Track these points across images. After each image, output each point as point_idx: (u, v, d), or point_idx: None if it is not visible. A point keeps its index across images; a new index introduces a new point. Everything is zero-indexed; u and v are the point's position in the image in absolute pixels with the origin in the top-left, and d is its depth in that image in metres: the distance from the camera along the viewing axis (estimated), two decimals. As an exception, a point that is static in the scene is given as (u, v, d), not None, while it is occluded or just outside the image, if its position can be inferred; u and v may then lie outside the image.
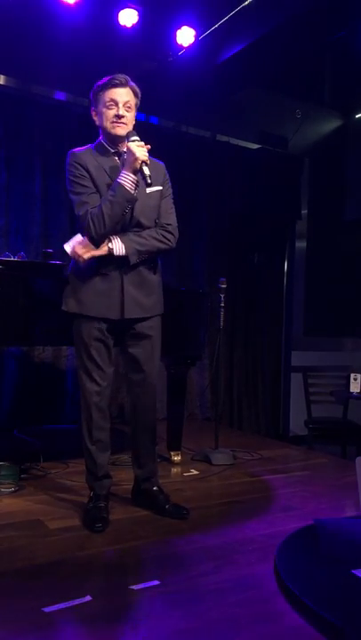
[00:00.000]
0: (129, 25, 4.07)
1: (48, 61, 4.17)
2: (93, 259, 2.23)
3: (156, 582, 1.82)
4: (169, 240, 2.35)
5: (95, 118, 2.30)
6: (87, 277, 2.27)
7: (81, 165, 2.24)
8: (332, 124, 5.76)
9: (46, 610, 1.62)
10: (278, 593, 1.71)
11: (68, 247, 2.28)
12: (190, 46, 4.29)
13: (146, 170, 2.13)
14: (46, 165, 4.44)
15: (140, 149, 2.14)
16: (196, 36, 4.24)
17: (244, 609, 1.67)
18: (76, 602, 1.68)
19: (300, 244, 6.00)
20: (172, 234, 2.36)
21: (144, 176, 2.13)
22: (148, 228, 2.30)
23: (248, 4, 3.94)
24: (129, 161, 2.15)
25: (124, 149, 2.24)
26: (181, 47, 4.31)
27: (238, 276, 5.32)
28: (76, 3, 3.84)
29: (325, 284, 5.99)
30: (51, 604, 1.65)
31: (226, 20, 4.08)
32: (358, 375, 3.85)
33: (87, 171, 2.24)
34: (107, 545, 2.13)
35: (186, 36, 4.22)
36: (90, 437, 2.36)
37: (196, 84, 4.47)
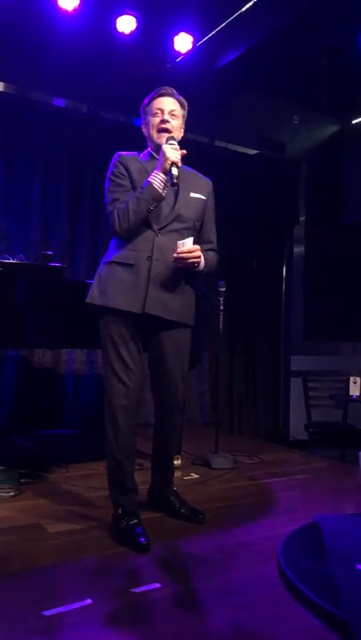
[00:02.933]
0: (127, 32, 4.09)
1: (47, 68, 4.19)
2: (128, 248, 2.22)
3: (157, 585, 1.81)
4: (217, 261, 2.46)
5: (144, 130, 2.38)
6: (114, 270, 2.24)
7: (123, 165, 2.28)
8: (329, 130, 5.78)
9: (46, 613, 1.61)
10: (280, 595, 1.71)
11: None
12: (188, 53, 4.31)
13: (175, 171, 2.15)
14: (45, 170, 4.47)
15: (172, 151, 2.18)
16: (194, 43, 4.26)
17: (245, 611, 1.66)
18: (77, 605, 1.67)
19: (299, 249, 6.01)
20: (217, 255, 2.47)
21: (171, 175, 2.15)
22: (189, 223, 2.30)
23: (246, 10, 3.97)
24: (161, 161, 2.19)
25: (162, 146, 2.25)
26: (179, 53, 4.33)
27: (237, 281, 5.32)
28: (74, 9, 3.86)
29: (324, 289, 6.00)
30: (51, 608, 1.64)
31: (223, 26, 4.10)
32: (358, 378, 3.85)
33: (127, 171, 2.27)
34: (106, 548, 2.11)
35: (184, 43, 4.24)
36: (117, 445, 2.20)
37: (194, 89, 4.46)
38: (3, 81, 4.32)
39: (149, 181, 2.18)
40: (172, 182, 2.16)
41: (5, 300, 2.64)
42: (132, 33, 4.10)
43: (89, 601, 1.69)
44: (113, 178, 2.30)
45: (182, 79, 4.58)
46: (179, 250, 2.17)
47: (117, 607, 1.67)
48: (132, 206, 2.17)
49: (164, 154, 2.17)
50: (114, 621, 1.59)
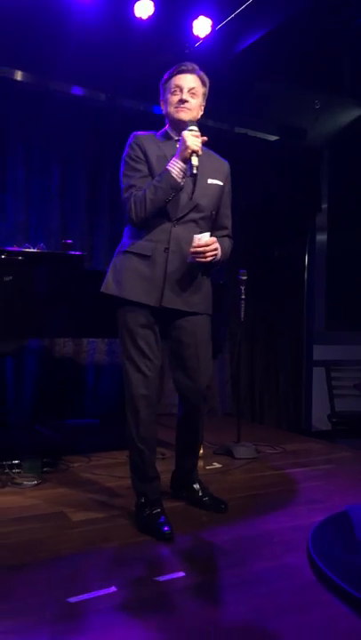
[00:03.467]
0: (145, 17, 4.03)
1: (64, 56, 4.16)
2: (145, 238, 2.18)
3: (182, 574, 1.80)
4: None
5: (162, 107, 2.29)
6: (130, 260, 2.19)
7: (140, 148, 2.20)
8: (352, 114, 5.65)
9: (71, 600, 1.61)
10: (306, 585, 1.68)
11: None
12: (207, 37, 4.24)
13: (195, 160, 2.08)
14: (64, 160, 4.45)
15: (193, 139, 2.09)
16: (213, 26, 4.19)
17: (271, 601, 1.64)
18: (101, 593, 1.66)
19: (321, 237, 5.91)
20: (232, 242, 2.42)
21: (191, 166, 2.08)
22: (206, 212, 2.25)
23: (266, -8, 3.88)
24: (180, 149, 2.11)
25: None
26: (198, 38, 4.27)
27: (258, 270, 5.25)
28: (91, -4, 3.82)
29: (346, 277, 5.90)
30: (75, 595, 1.64)
31: (243, 8, 4.02)
32: (383, 367, 3.77)
33: (145, 154, 2.20)
34: (130, 537, 2.11)
35: (202, 27, 4.17)
36: (138, 435, 2.18)
37: (214, 75, 4.39)
38: (21, 70, 4.30)
39: (168, 169, 2.11)
40: (191, 173, 2.09)
41: (27, 289, 2.64)
42: (149, 18, 4.05)
43: (113, 588, 1.69)
44: (129, 161, 2.21)
45: (201, 64, 4.49)
46: (195, 244, 2.12)
47: (141, 595, 1.66)
48: (149, 195, 2.11)
49: (185, 141, 2.08)
50: (138, 609, 1.58)
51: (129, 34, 4.18)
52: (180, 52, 4.42)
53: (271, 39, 4.24)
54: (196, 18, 4.15)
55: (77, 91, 4.57)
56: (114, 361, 4.64)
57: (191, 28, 4.20)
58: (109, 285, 2.23)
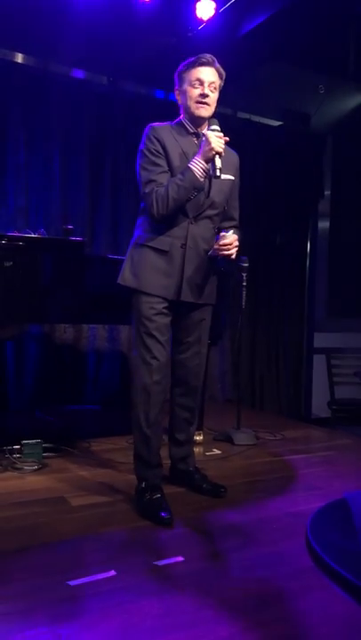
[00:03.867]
0: (147, -1, 3.98)
1: (66, 39, 4.10)
2: (162, 233, 2.22)
3: (181, 559, 1.81)
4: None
5: (178, 97, 2.29)
6: (148, 254, 2.23)
7: (159, 141, 2.20)
8: (356, 99, 5.58)
9: (72, 583, 1.63)
10: (305, 570, 1.70)
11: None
12: (210, 20, 4.18)
13: (218, 162, 2.10)
14: (65, 144, 4.41)
15: (217, 140, 2.11)
16: (217, 9, 4.13)
17: (269, 585, 1.65)
18: (101, 576, 1.68)
19: (323, 224, 5.88)
20: (240, 233, 2.43)
21: (214, 167, 2.11)
22: (220, 208, 2.32)
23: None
24: (204, 150, 2.12)
25: (203, 131, 2.20)
26: (201, 21, 4.20)
27: (260, 257, 5.24)
28: (93, -23, 3.76)
29: (348, 265, 5.87)
30: (76, 578, 1.66)
31: (247, -11, 3.97)
32: (383, 355, 3.77)
33: (164, 149, 2.20)
34: (130, 522, 2.12)
35: (206, 9, 4.11)
36: (146, 420, 2.22)
37: (217, 59, 4.37)
38: (22, 52, 4.25)
39: (190, 168, 2.13)
40: (214, 175, 2.12)
41: (27, 274, 2.64)
42: (152, 0, 3.99)
43: (113, 572, 1.71)
44: (148, 154, 2.21)
45: (204, 48, 4.42)
46: (222, 242, 2.19)
47: (141, 579, 1.68)
48: (171, 193, 2.13)
49: (209, 142, 2.10)
50: (137, 593, 1.60)
51: (131, 16, 4.11)
52: (183, 35, 4.37)
53: (275, 22, 4.18)
54: (199, 0, 4.09)
55: (79, 74, 4.51)
56: (114, 347, 4.64)
57: (194, 10, 4.14)
58: (127, 278, 2.27)
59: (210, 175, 2.16)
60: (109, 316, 3.16)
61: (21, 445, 2.85)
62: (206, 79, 2.18)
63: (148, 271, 2.22)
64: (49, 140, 4.35)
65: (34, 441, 2.86)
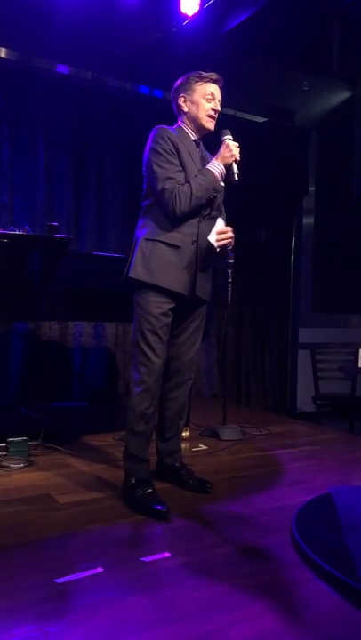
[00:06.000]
0: (132, -6, 3.96)
1: (49, 33, 4.07)
2: (173, 230, 2.26)
3: (167, 554, 1.82)
4: None
5: (184, 104, 2.35)
6: (160, 249, 2.26)
7: (172, 141, 2.26)
8: (340, 96, 5.62)
9: (58, 581, 1.63)
10: (291, 564, 1.72)
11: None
12: (195, 15, 4.17)
13: (235, 168, 2.24)
14: (49, 141, 4.38)
15: (235, 147, 2.25)
16: (201, 5, 4.12)
17: (255, 580, 1.67)
18: (88, 573, 1.68)
19: (308, 220, 5.91)
20: None
21: (232, 172, 2.25)
22: (220, 208, 2.41)
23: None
24: (223, 155, 2.25)
25: (223, 138, 2.31)
26: (186, 16, 4.20)
27: (245, 253, 5.25)
28: (77, -29, 3.73)
29: (333, 261, 5.92)
30: (62, 576, 1.66)
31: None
32: (367, 350, 3.82)
33: (177, 149, 2.27)
34: (116, 518, 2.13)
35: (191, 5, 4.10)
36: (145, 416, 2.25)
37: (201, 55, 4.35)
38: (5, 47, 4.20)
39: (211, 170, 2.25)
40: (233, 180, 2.25)
41: (12, 271, 2.62)
42: (137, -5, 3.97)
43: (100, 569, 1.71)
44: (163, 152, 2.25)
45: (189, 43, 4.45)
46: (223, 230, 2.28)
47: (128, 575, 1.69)
48: (195, 192, 2.21)
49: (230, 150, 2.24)
50: (124, 589, 1.60)
51: (116, 11, 4.10)
52: (167, 31, 4.36)
53: (260, 19, 4.18)
54: (184, -5, 4.08)
55: (63, 69, 4.48)
56: (100, 344, 4.64)
57: (179, 5, 4.14)
58: (139, 272, 2.27)
59: (227, 179, 2.29)
60: (95, 314, 3.15)
61: (7, 443, 2.83)
62: (218, 96, 2.33)
63: (162, 266, 2.25)
64: (34, 136, 4.32)
65: (20, 439, 2.85)
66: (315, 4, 4.25)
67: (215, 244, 2.29)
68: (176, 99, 2.37)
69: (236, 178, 2.23)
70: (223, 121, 5.14)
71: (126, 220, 4.59)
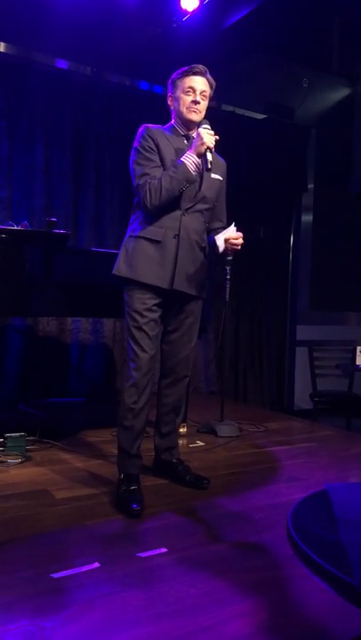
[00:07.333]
0: (132, -11, 3.94)
1: (49, 28, 4.05)
2: (155, 224, 2.28)
3: (164, 550, 1.83)
4: None
5: (170, 103, 2.39)
6: (142, 244, 2.28)
7: (152, 139, 2.29)
8: (340, 93, 5.61)
9: (55, 576, 1.64)
10: (287, 560, 1.73)
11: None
12: (195, 11, 4.16)
13: (209, 156, 2.22)
14: (48, 136, 4.37)
15: (208, 136, 2.22)
16: (201, 0, 4.11)
17: (251, 575, 1.68)
18: (84, 568, 1.69)
19: (307, 217, 5.91)
20: None
21: (206, 161, 2.22)
22: (210, 204, 2.40)
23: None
24: (196, 144, 2.23)
25: (194, 135, 2.32)
26: (186, 12, 4.18)
27: (243, 250, 5.24)
28: (76, -35, 3.72)
29: (332, 258, 5.92)
30: (59, 571, 1.66)
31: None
32: (365, 348, 3.83)
33: (157, 146, 2.29)
34: (113, 514, 2.14)
35: (190, 0, 4.09)
36: (136, 411, 2.26)
37: (201, 51, 4.34)
38: (4, 41, 4.19)
39: (183, 162, 2.22)
40: (206, 168, 2.22)
41: (10, 267, 2.62)
42: (137, -10, 3.96)
43: (96, 564, 1.72)
44: (142, 150, 2.29)
45: (189, 39, 4.44)
46: (235, 236, 2.32)
47: (124, 571, 1.69)
48: (164, 184, 2.21)
49: (201, 138, 2.22)
50: (121, 584, 1.61)
51: (116, 6, 4.08)
52: (167, 26, 4.34)
53: (260, 15, 4.17)
54: (184, -10, 4.07)
55: (62, 64, 4.47)
56: (98, 340, 4.63)
57: (179, 1, 4.12)
58: (121, 268, 2.31)
59: (202, 169, 2.27)
60: (93, 309, 3.15)
61: (5, 438, 2.84)
62: (198, 88, 2.30)
63: (143, 261, 2.27)
64: (32, 131, 4.31)
65: (17, 434, 2.85)
66: (315, 0, 4.23)
67: (221, 248, 2.33)
68: (167, 98, 2.42)
69: (209, 166, 2.20)
70: (222, 117, 5.18)
71: (124, 216, 4.54)
